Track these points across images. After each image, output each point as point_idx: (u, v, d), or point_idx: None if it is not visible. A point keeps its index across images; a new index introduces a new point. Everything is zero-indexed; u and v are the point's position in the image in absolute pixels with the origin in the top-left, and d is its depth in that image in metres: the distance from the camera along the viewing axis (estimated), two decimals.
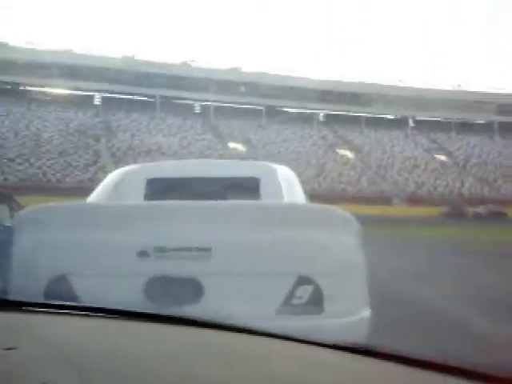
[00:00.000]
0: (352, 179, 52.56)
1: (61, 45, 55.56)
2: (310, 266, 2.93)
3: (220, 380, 1.04)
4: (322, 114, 64.22)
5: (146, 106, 56.65)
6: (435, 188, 53.65)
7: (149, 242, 2.88)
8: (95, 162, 44.00)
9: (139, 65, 54.50)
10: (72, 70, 50.67)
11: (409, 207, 46.65)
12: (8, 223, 6.28)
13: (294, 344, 1.29)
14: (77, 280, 2.88)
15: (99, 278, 2.88)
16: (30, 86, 53.89)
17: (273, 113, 60.62)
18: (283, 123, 60.01)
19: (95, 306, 1.55)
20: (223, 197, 4.12)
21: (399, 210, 45.50)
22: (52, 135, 47.81)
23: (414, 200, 49.09)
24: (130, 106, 56.67)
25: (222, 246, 2.89)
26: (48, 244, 2.98)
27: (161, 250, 2.87)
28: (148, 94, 57.07)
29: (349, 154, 57.42)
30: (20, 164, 42.81)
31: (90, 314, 1.49)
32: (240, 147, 53.64)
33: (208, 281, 2.85)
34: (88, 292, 2.75)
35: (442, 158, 60.23)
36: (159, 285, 2.84)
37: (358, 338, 2.80)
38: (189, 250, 2.87)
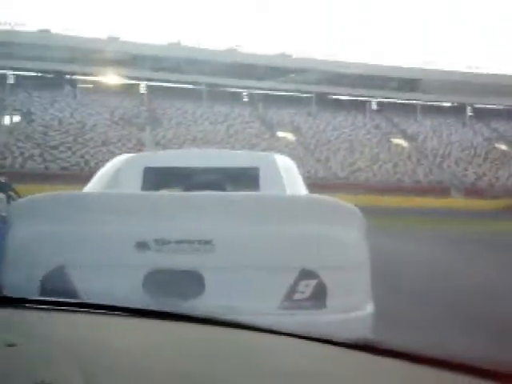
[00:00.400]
0: (408, 169, 49.86)
1: (106, 32, 54.63)
2: (313, 260, 2.88)
3: (223, 376, 1.06)
4: (374, 101, 61.43)
5: (192, 94, 55.33)
6: (497, 179, 50.40)
7: (148, 234, 2.83)
8: (138, 151, 42.67)
9: (185, 51, 53.10)
10: (118, 58, 49.80)
11: (468, 199, 43.82)
12: (5, 213, 6.22)
13: (296, 340, 1.30)
14: (74, 272, 2.84)
15: (97, 270, 2.83)
16: (76, 74, 53.24)
17: (323, 100, 58.23)
18: (334, 111, 57.73)
19: (97, 302, 1.58)
20: (222, 187, 4.05)
21: (458, 201, 42.85)
22: (96, 123, 46.82)
23: (473, 191, 46.10)
24: (176, 94, 55.45)
25: (223, 239, 2.84)
26: (44, 234, 2.92)
27: (161, 242, 2.81)
28: (194, 82, 55.70)
29: (404, 143, 54.66)
30: (62, 152, 41.97)
31: (92, 310, 1.49)
32: (289, 136, 51.75)
33: (209, 274, 2.81)
34: (86, 284, 2.73)
35: (503, 147, 56.76)
36: (159, 278, 2.80)
37: (363, 333, 2.75)
38: (190, 242, 2.82)
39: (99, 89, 53.24)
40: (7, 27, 50.99)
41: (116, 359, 1.13)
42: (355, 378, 1.09)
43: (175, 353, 1.20)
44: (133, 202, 3.14)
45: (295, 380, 1.06)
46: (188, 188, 4.03)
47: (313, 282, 2.84)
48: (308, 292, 2.84)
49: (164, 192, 3.84)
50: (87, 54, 49.58)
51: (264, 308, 2.68)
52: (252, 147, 45.60)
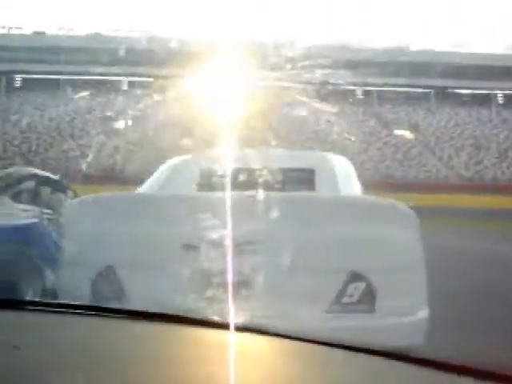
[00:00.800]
0: None
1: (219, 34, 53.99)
2: (362, 262, 2.85)
3: (225, 380, 1.06)
4: (500, 94, 56.48)
5: (303, 93, 53.61)
6: None
7: (196, 235, 2.84)
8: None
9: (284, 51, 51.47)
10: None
11: None
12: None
13: (299, 344, 1.29)
14: (123, 272, 2.95)
15: (145, 271, 2.88)
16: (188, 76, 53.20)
17: (443, 95, 54.39)
18: (455, 106, 53.52)
19: (102, 306, 1.62)
20: (278, 188, 4.18)
21: None
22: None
23: None
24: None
25: (272, 241, 2.84)
26: (95, 235, 3.02)
27: (208, 243, 2.80)
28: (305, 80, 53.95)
29: None
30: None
31: (96, 313, 1.50)
32: (407, 134, 48.58)
33: (257, 276, 2.77)
34: (134, 284, 2.87)
35: None
36: (206, 279, 2.77)
37: (414, 339, 2.66)
38: (238, 244, 2.77)
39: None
40: (120, 33, 51.92)
41: (120, 362, 1.11)
42: (359, 381, 1.08)
43: (178, 356, 1.18)
44: (180, 204, 3.13)
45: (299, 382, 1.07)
46: (244, 189, 4.03)
47: (362, 285, 2.82)
48: (357, 295, 2.82)
49: (211, 193, 3.94)
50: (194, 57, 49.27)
51: (313, 311, 2.66)
52: (367, 146, 43.37)
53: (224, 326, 1.35)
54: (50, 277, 5.49)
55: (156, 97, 49.29)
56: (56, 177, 7.85)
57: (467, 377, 1.03)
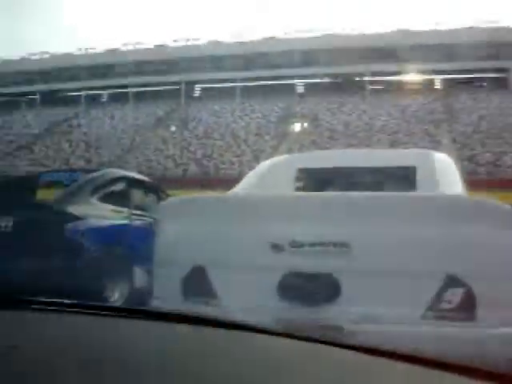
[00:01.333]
0: None
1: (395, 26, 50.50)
2: (461, 267, 2.67)
3: (228, 379, 1.08)
4: None
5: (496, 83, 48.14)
6: None
7: (284, 236, 2.82)
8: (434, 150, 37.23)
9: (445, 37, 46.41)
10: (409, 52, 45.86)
11: None
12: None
13: (300, 342, 1.28)
14: (213, 272, 2.94)
15: (234, 271, 2.87)
16: (365, 75, 50.68)
17: None
18: None
19: (102, 304, 1.64)
20: (378, 187, 4.15)
21: None
22: (385, 124, 43.06)
23: None
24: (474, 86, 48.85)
25: (361, 242, 2.74)
26: (187, 235, 3.06)
27: (296, 244, 2.78)
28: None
29: None
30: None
31: (97, 312, 1.50)
32: None
33: (345, 279, 2.71)
34: (223, 285, 2.88)
35: None
36: (293, 281, 2.77)
37: None
38: (325, 245, 2.76)
39: (391, 88, 49.62)
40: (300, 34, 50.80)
41: (121, 362, 1.11)
42: (360, 380, 1.09)
43: (178, 355, 1.19)
44: (269, 204, 3.13)
45: (302, 382, 1.06)
46: (343, 189, 4.03)
47: (460, 291, 2.64)
48: (455, 302, 2.65)
49: (300, 193, 3.95)
50: (377, 53, 46.96)
51: (405, 317, 2.52)
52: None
53: (229, 326, 1.34)
54: (139, 277, 5.72)
55: (334, 98, 47.30)
56: (146, 178, 7.95)
57: (468, 378, 1.02)
